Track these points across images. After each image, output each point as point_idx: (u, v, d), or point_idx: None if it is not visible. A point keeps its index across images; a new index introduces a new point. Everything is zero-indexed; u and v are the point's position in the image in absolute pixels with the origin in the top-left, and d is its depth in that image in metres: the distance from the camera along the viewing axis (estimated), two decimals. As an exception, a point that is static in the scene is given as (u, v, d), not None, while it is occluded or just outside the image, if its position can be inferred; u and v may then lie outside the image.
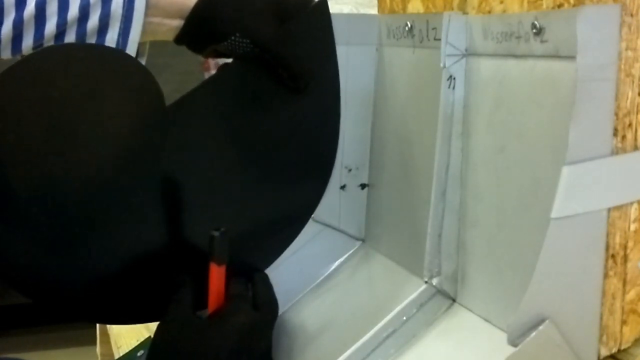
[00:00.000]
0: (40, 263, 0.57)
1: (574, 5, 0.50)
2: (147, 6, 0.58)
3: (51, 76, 0.54)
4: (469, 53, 0.60)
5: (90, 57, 0.56)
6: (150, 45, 0.64)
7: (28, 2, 0.56)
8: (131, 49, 0.58)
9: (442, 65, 0.60)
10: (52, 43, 0.57)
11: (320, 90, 0.65)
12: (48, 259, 0.57)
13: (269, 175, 0.64)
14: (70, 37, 0.58)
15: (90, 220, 0.57)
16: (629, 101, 0.50)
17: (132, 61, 0.58)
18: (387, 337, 0.59)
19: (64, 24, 0.57)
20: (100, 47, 0.57)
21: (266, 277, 0.66)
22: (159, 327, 0.59)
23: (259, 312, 0.60)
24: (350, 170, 0.75)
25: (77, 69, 0.55)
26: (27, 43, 0.57)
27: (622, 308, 0.54)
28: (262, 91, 0.62)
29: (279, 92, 0.63)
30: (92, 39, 0.58)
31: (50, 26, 0.57)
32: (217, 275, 0.59)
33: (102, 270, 0.59)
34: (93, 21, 0.57)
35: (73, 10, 0.57)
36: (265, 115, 0.63)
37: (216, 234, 0.58)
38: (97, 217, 0.58)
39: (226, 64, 0.63)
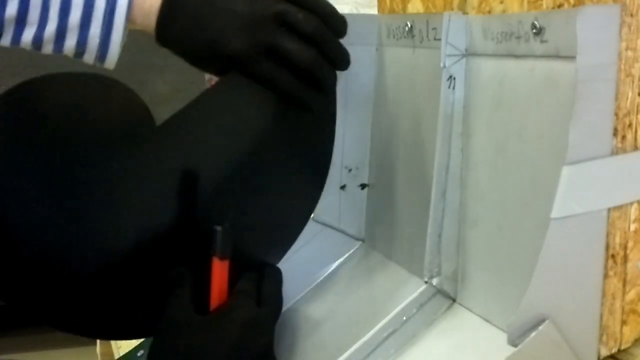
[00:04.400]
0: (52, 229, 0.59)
1: (574, 5, 0.50)
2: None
3: (47, 98, 0.59)
4: (469, 53, 0.60)
5: (77, 83, 0.60)
6: (148, 45, 0.65)
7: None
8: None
9: (442, 65, 0.60)
10: None
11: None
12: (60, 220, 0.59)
13: (267, 175, 0.64)
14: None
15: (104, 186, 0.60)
16: (629, 101, 0.50)
17: (117, 84, 0.61)
18: (387, 337, 0.59)
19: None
20: (85, 74, 0.60)
21: (277, 271, 0.65)
22: (159, 325, 0.59)
23: (261, 307, 0.60)
24: (350, 170, 0.75)
25: (66, 93, 0.59)
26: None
27: (622, 308, 0.54)
28: (257, 96, 0.63)
29: (273, 97, 0.63)
30: None
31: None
32: (219, 270, 0.59)
33: (109, 249, 0.60)
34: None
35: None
36: (262, 118, 0.63)
37: (219, 228, 0.58)
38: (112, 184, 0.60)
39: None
